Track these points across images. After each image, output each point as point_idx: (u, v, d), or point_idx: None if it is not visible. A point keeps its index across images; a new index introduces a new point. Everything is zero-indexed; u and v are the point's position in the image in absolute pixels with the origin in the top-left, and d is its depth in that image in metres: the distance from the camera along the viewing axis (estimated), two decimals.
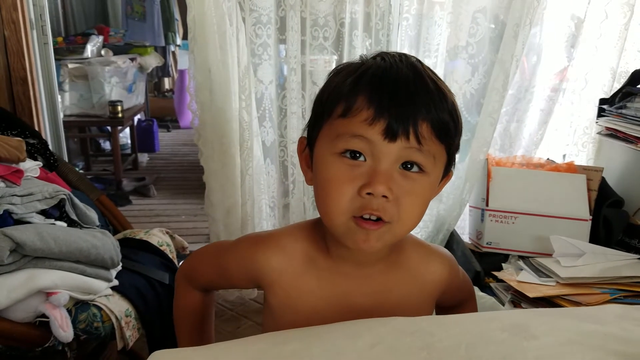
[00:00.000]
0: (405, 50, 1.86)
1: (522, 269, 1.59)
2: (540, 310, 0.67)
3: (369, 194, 0.63)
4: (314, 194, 0.70)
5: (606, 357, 0.47)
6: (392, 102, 0.62)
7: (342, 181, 0.64)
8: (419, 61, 0.68)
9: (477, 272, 1.61)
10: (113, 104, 3.45)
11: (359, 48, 1.84)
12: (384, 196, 0.63)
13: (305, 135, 0.75)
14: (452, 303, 0.91)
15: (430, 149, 0.64)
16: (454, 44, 1.84)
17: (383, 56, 0.68)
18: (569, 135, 2.00)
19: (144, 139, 4.50)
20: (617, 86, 1.81)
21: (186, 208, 3.39)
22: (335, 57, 1.91)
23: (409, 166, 0.65)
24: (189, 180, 3.96)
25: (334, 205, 0.65)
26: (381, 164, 0.63)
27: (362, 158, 0.64)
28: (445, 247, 1.97)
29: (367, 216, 0.64)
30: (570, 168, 1.78)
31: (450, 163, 0.71)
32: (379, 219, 0.65)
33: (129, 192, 3.59)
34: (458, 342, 0.50)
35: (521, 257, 1.69)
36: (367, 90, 0.64)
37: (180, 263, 0.91)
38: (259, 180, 2.00)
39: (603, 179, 1.75)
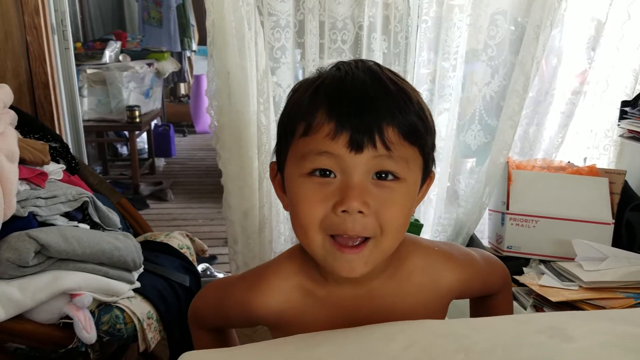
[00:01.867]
0: (424, 53, 1.85)
1: (543, 273, 1.58)
2: (574, 312, 0.66)
3: (344, 211, 0.60)
4: (290, 219, 0.67)
5: None
6: (353, 111, 0.60)
7: (313, 201, 0.61)
8: (377, 64, 0.66)
9: None
10: (131, 108, 3.48)
11: (377, 51, 1.84)
12: (361, 212, 0.60)
13: (274, 160, 0.72)
14: (482, 294, 0.87)
15: (400, 154, 0.61)
16: (473, 46, 1.83)
17: (339, 66, 0.66)
18: (590, 139, 1.98)
19: (160, 143, 4.54)
20: (639, 88, 1.79)
21: (203, 212, 3.40)
22: None
23: (383, 175, 0.62)
24: (205, 184, 3.99)
25: (307, 226, 0.62)
26: (352, 178, 0.60)
27: (332, 175, 0.61)
28: None
29: (347, 242, 0.61)
30: (592, 171, 1.76)
31: (427, 165, 0.68)
32: (360, 242, 0.62)
33: (146, 197, 3.62)
34: (494, 345, 0.50)
35: (542, 261, 1.67)
36: (325, 104, 0.61)
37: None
38: None
39: (626, 182, 1.72)
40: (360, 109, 0.59)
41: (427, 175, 0.69)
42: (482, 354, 0.48)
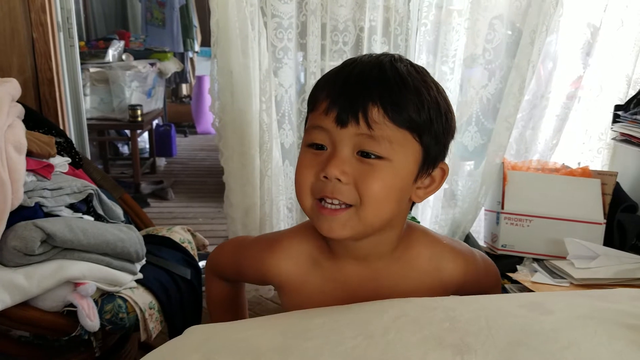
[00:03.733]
0: (423, 56, 1.89)
1: (536, 271, 1.61)
2: (555, 292, 0.69)
3: (325, 177, 0.67)
4: None
5: (619, 330, 0.50)
6: (344, 91, 0.67)
7: (306, 167, 0.70)
8: (399, 57, 0.71)
9: None
10: (133, 108, 3.52)
11: (378, 52, 1.88)
12: (339, 180, 0.66)
13: None
14: (473, 293, 0.91)
15: (383, 133, 0.66)
16: (471, 50, 1.87)
17: (364, 55, 0.72)
18: (584, 144, 2.02)
19: (161, 143, 4.57)
20: (632, 93, 1.83)
21: (203, 211, 3.44)
22: None
23: (366, 154, 0.67)
24: (206, 184, 4.02)
25: (299, 189, 0.71)
26: (337, 151, 0.67)
27: (325, 149, 0.69)
28: None
29: (328, 204, 0.68)
30: (585, 173, 1.80)
31: (428, 154, 0.70)
32: (341, 206, 0.68)
33: (147, 195, 3.65)
34: (478, 316, 0.53)
35: (535, 260, 1.71)
36: (329, 84, 0.69)
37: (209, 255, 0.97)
38: (278, 182, 2.04)
39: (617, 183, 1.76)
40: (351, 89, 0.66)
41: (430, 165, 0.72)
42: (466, 323, 0.52)
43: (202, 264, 2.53)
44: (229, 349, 0.54)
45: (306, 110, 2.02)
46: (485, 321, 0.51)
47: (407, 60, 0.72)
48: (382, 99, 0.65)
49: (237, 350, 0.53)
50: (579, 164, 2.02)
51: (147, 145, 4.41)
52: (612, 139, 1.85)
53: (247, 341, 0.55)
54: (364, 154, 0.67)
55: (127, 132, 3.94)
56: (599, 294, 0.59)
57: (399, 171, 0.68)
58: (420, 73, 0.71)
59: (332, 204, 0.67)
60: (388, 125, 0.66)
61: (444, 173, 0.75)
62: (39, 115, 1.91)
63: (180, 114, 5.73)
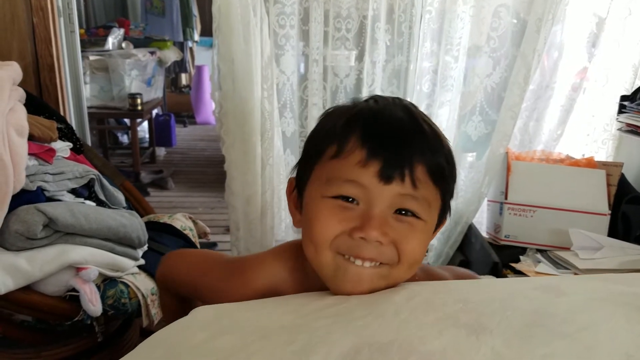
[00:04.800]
0: (427, 44, 1.88)
1: (540, 261, 1.61)
2: (570, 275, 0.69)
3: (361, 238, 0.59)
4: (302, 236, 0.66)
5: (637, 313, 0.49)
6: (387, 142, 0.59)
7: (331, 220, 0.61)
8: (413, 104, 0.66)
9: (495, 264, 1.62)
10: (133, 96, 3.50)
11: (381, 41, 1.87)
12: (378, 242, 0.59)
13: (294, 175, 0.71)
14: None
15: (425, 194, 0.60)
16: (476, 38, 1.85)
17: (376, 99, 0.66)
18: (589, 135, 2.01)
19: (161, 133, 4.56)
20: (639, 83, 1.82)
21: (203, 201, 3.43)
22: (355, 53, 1.94)
23: (404, 212, 0.61)
24: (205, 174, 4.01)
25: (319, 243, 0.61)
26: (375, 209, 0.60)
27: (355, 202, 0.61)
28: (463, 240, 1.99)
29: (359, 263, 0.60)
30: (590, 163, 1.79)
31: (444, 210, 0.66)
32: (374, 265, 0.61)
33: (147, 184, 3.64)
34: (492, 298, 0.52)
35: (539, 250, 1.70)
36: (361, 130, 0.60)
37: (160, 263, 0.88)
38: (279, 170, 2.03)
39: (622, 175, 1.75)
40: (394, 141, 0.59)
41: (441, 219, 0.68)
42: (480, 304, 0.51)
43: None
44: (236, 327, 0.54)
45: (308, 98, 1.96)
46: (500, 303, 0.51)
47: (415, 105, 0.67)
48: (425, 155, 0.60)
49: (244, 329, 0.53)
50: (583, 155, 2.02)
51: (147, 135, 4.39)
52: (618, 129, 1.84)
53: (254, 320, 0.54)
54: (401, 212, 0.61)
55: (127, 121, 3.92)
56: (614, 278, 0.58)
57: (430, 230, 0.64)
58: (433, 122, 0.66)
59: (363, 264, 0.61)
60: (429, 185, 0.60)
61: (442, 225, 0.70)
62: (40, 101, 1.89)
63: (180, 104, 5.70)
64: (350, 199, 0.60)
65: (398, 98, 0.66)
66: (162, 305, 0.90)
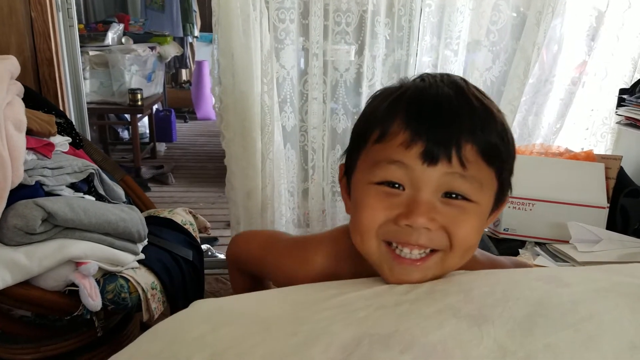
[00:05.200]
0: (427, 38, 1.87)
1: (539, 255, 1.61)
2: (572, 267, 0.69)
3: (407, 225, 0.57)
4: (350, 224, 0.65)
5: (639, 303, 0.49)
6: (431, 122, 0.56)
7: (377, 208, 0.59)
8: (464, 80, 0.62)
9: None
10: (133, 91, 3.50)
11: (381, 35, 1.86)
12: (426, 228, 0.57)
13: (343, 162, 0.70)
14: None
15: (475, 174, 0.57)
16: (475, 31, 1.85)
17: (423, 77, 0.63)
18: (588, 129, 2.01)
19: (161, 128, 4.56)
20: (638, 76, 1.82)
21: (204, 196, 3.43)
22: (355, 47, 1.93)
23: (453, 196, 0.58)
24: (206, 169, 4.01)
25: (365, 231, 0.60)
26: (421, 193, 0.57)
27: (401, 188, 0.58)
28: None
29: (406, 251, 0.59)
30: (589, 156, 1.79)
31: (503, 190, 0.63)
32: (424, 254, 0.59)
33: (148, 180, 3.64)
34: (494, 289, 0.52)
35: (538, 244, 1.70)
36: (404, 112, 0.58)
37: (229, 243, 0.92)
38: (279, 165, 2.03)
39: (621, 168, 1.75)
40: (439, 120, 0.56)
41: (500, 200, 0.64)
42: (482, 295, 0.51)
43: (204, 246, 2.53)
44: (237, 319, 0.53)
45: (308, 92, 1.95)
46: (502, 294, 0.51)
47: (469, 82, 0.63)
48: (474, 134, 0.56)
49: (245, 321, 0.52)
50: (582, 148, 2.02)
51: (147, 130, 4.39)
52: (617, 122, 1.84)
53: (256, 312, 0.54)
54: (451, 196, 0.58)
55: (127, 116, 3.92)
56: (616, 268, 0.58)
57: (484, 213, 0.61)
58: (490, 99, 0.62)
59: (411, 253, 0.59)
60: (480, 164, 0.57)
61: (504, 204, 0.67)
62: (39, 96, 1.89)
63: (180, 99, 5.70)
64: (397, 185, 0.58)
65: (447, 74, 0.63)
66: (235, 286, 0.92)
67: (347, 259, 0.69)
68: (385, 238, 0.60)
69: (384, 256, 0.60)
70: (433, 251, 0.59)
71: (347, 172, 0.67)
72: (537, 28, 1.72)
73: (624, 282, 0.53)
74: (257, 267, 0.84)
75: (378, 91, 0.66)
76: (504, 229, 1.76)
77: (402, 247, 0.59)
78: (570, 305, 0.49)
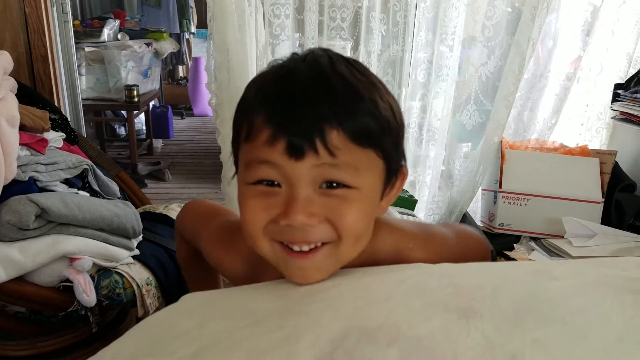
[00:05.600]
0: (422, 33, 1.87)
1: (533, 250, 1.61)
2: (562, 260, 0.69)
3: (288, 225, 0.55)
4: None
5: (629, 296, 0.49)
6: (290, 114, 0.53)
7: (257, 209, 0.57)
8: (330, 57, 0.58)
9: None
10: (129, 88, 3.49)
11: (376, 30, 1.86)
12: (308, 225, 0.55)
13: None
14: None
15: (348, 159, 0.54)
16: (470, 26, 1.85)
17: (287, 61, 0.59)
18: (583, 124, 2.01)
19: (158, 124, 4.55)
20: (633, 71, 1.82)
21: (201, 192, 3.43)
22: (350, 43, 1.93)
23: (334, 185, 0.55)
24: (203, 165, 4.01)
25: (252, 233, 0.58)
26: (296, 189, 0.55)
27: (278, 185, 0.56)
28: None
29: (296, 248, 0.57)
30: (584, 152, 1.79)
31: (390, 165, 0.60)
32: (313, 247, 0.57)
33: (144, 176, 3.64)
34: (483, 282, 0.52)
35: (533, 239, 1.71)
36: (263, 107, 0.55)
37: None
38: None
39: (616, 163, 1.76)
40: (298, 111, 0.53)
41: (392, 176, 0.62)
42: (471, 288, 0.51)
43: None
44: (226, 313, 0.53)
45: None
46: (491, 287, 0.51)
47: (340, 56, 0.59)
48: (339, 118, 0.53)
49: (234, 314, 0.52)
50: (577, 144, 2.02)
51: (144, 127, 4.38)
52: (612, 118, 1.84)
53: (245, 306, 0.54)
54: (331, 185, 0.56)
55: (124, 113, 3.91)
56: (605, 262, 0.58)
57: (369, 196, 0.58)
58: (363, 73, 0.58)
59: (301, 248, 0.57)
60: (351, 148, 0.54)
61: (404, 176, 0.65)
62: (34, 92, 1.89)
63: (177, 96, 5.69)
64: (273, 182, 0.56)
65: (312, 52, 0.59)
66: (177, 253, 0.93)
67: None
68: (274, 237, 0.58)
69: (278, 254, 0.59)
70: (324, 243, 0.57)
71: (235, 164, 0.64)
72: (532, 23, 1.71)
73: (613, 276, 0.53)
74: (193, 240, 0.83)
75: (255, 76, 0.63)
76: (499, 224, 1.77)
77: (292, 245, 0.57)
78: (559, 299, 0.49)
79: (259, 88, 0.57)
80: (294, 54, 0.60)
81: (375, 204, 0.60)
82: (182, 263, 0.94)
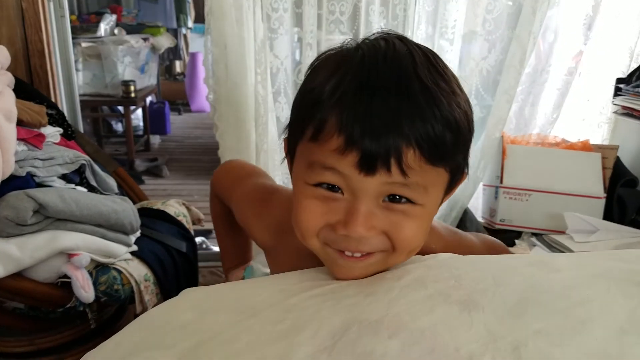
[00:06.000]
0: (422, 27, 1.86)
1: (535, 245, 1.60)
2: (563, 253, 0.68)
3: (346, 235, 0.54)
4: (292, 215, 0.60)
5: (633, 288, 0.48)
6: (368, 127, 0.49)
7: (315, 212, 0.55)
8: (412, 54, 0.54)
9: None
10: (126, 83, 3.47)
11: (375, 23, 1.85)
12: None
13: (286, 136, 0.66)
14: None
15: (419, 180, 0.52)
16: (471, 20, 1.83)
17: (372, 45, 0.55)
18: (584, 119, 2.00)
19: (155, 120, 4.53)
20: (635, 65, 1.80)
21: (198, 188, 3.42)
22: (349, 36, 1.91)
23: (397, 198, 0.54)
24: (200, 161, 4.00)
25: (304, 233, 0.57)
26: (359, 202, 0.53)
27: (339, 192, 0.54)
28: (459, 225, 1.98)
29: (349, 253, 0.56)
30: (585, 146, 1.78)
31: (455, 177, 0.58)
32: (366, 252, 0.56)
33: (142, 172, 3.63)
34: (485, 274, 0.52)
35: (534, 234, 1.70)
36: (339, 110, 0.51)
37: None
38: (274, 157, 2.02)
39: (618, 158, 1.75)
40: (377, 125, 0.49)
41: (455, 183, 0.60)
42: (472, 281, 0.50)
43: (198, 239, 2.52)
44: (225, 307, 0.53)
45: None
46: (493, 279, 0.50)
47: (421, 52, 0.55)
48: (417, 140, 0.50)
49: (233, 308, 0.52)
50: (578, 139, 2.01)
51: (141, 123, 4.37)
52: (614, 112, 1.83)
53: (243, 300, 0.54)
54: (394, 198, 0.54)
55: (121, 109, 3.90)
56: (608, 254, 0.58)
57: (432, 211, 0.57)
58: (443, 76, 0.54)
59: (353, 254, 0.56)
60: (424, 168, 0.51)
61: (463, 179, 0.63)
62: (31, 87, 1.87)
63: (174, 91, 5.67)
64: (334, 187, 0.54)
65: (394, 39, 0.55)
66: (211, 210, 0.95)
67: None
68: (330, 244, 0.57)
69: (329, 254, 0.57)
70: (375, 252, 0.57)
71: (290, 152, 0.62)
72: (533, 17, 1.70)
73: (615, 267, 0.53)
74: (226, 199, 0.86)
75: (319, 62, 0.58)
76: (501, 220, 1.76)
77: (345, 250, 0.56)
78: (561, 290, 0.49)
79: (336, 85, 0.52)
80: (367, 40, 0.56)
81: (434, 214, 0.59)
82: (213, 219, 0.96)
